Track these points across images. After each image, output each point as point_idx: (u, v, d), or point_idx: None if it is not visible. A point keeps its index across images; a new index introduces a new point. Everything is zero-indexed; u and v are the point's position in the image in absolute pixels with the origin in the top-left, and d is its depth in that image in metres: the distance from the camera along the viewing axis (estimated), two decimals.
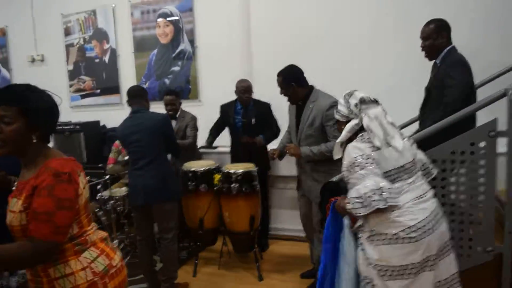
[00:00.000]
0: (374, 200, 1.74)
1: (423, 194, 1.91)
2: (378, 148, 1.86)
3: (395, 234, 1.81)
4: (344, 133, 2.00)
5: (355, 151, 1.86)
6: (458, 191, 2.41)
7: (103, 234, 1.71)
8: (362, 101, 1.97)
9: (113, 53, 5.44)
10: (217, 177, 3.70)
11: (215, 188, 3.69)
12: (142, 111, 3.26)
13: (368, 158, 1.82)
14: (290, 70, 3.15)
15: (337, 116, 2.09)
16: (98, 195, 3.99)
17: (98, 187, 3.98)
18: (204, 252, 4.20)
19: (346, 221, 2.01)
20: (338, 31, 4.30)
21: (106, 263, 1.61)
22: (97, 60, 5.55)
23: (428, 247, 1.82)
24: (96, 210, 3.97)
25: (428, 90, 2.90)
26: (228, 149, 4.31)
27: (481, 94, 2.74)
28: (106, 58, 5.49)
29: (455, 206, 2.43)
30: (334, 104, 2.89)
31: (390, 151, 1.87)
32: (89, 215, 1.64)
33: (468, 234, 2.42)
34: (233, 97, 4.15)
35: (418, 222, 1.81)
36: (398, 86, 3.95)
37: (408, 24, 3.81)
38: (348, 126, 1.98)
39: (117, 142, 4.38)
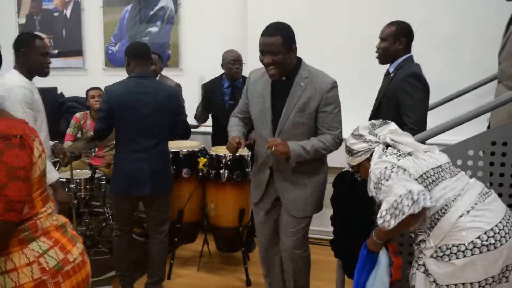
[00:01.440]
0: (405, 206, 1.64)
1: (487, 192, 1.82)
2: (407, 155, 1.84)
3: (471, 242, 1.69)
4: (377, 162, 1.89)
5: (378, 166, 1.81)
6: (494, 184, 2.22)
7: (61, 219, 1.52)
8: (373, 125, 1.98)
9: (77, 6, 4.93)
10: (202, 161, 3.38)
11: (200, 174, 3.35)
12: (151, 78, 2.92)
13: (393, 168, 1.77)
14: (287, 27, 2.43)
15: (358, 159, 1.97)
16: None
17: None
18: (181, 251, 3.84)
19: (382, 255, 1.87)
20: None
21: (59, 258, 1.41)
22: (56, 14, 5.03)
23: (508, 255, 1.71)
24: None
25: (379, 101, 2.79)
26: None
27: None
28: (68, 12, 4.98)
29: None
30: (336, 85, 2.48)
31: (421, 154, 1.85)
32: (44, 192, 1.45)
33: None
34: (221, 68, 3.72)
35: (495, 226, 1.71)
36: None
37: None
38: (376, 154, 1.90)
39: (77, 115, 4.05)
